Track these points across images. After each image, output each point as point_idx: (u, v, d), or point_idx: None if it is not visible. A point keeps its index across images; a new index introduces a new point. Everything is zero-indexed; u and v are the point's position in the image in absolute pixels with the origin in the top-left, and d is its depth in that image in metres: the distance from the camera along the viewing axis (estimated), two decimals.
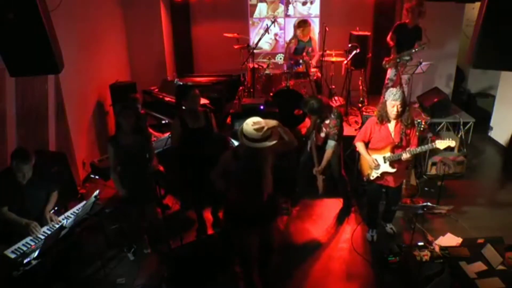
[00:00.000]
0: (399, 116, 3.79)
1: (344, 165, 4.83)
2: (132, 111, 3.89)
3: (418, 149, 3.81)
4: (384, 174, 3.99)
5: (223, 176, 3.17)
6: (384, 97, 6.39)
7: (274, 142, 2.92)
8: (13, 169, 3.40)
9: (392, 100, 3.73)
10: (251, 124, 2.91)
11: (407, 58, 5.89)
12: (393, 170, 3.92)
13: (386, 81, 6.27)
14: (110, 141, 3.89)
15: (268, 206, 3.26)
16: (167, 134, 5.07)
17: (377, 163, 3.96)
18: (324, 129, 4.44)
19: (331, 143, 4.36)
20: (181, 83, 6.14)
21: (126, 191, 3.90)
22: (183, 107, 4.16)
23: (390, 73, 6.15)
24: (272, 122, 2.93)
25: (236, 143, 4.65)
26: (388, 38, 6.02)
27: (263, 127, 2.87)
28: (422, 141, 5.41)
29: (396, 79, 6.21)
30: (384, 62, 6.12)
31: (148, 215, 4.16)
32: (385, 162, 3.93)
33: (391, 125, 3.89)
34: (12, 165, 3.39)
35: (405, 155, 3.79)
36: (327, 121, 4.39)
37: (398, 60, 5.90)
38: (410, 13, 5.75)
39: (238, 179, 3.09)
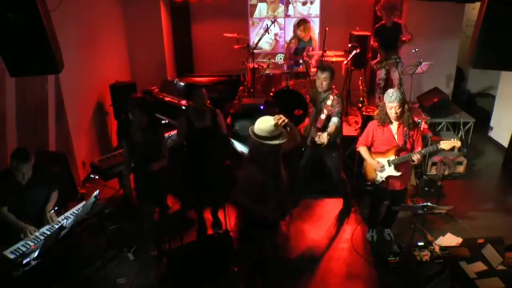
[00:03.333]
0: (398, 117, 3.72)
1: (344, 165, 4.82)
2: (143, 110, 3.80)
3: (423, 151, 3.78)
4: (389, 178, 3.93)
5: (250, 192, 3.01)
6: (377, 97, 6.57)
7: (287, 138, 2.92)
8: (13, 169, 3.40)
9: (388, 102, 3.66)
10: (270, 120, 2.87)
11: (395, 57, 6.01)
12: (398, 174, 3.86)
13: (378, 81, 6.46)
14: (123, 137, 3.91)
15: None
16: (167, 134, 5.07)
17: (382, 165, 3.88)
18: (325, 110, 4.34)
19: (334, 120, 4.24)
20: (182, 83, 6.14)
21: (130, 190, 3.90)
22: (188, 106, 4.16)
23: (381, 73, 6.39)
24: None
25: (236, 143, 4.65)
26: (371, 42, 6.26)
27: (283, 120, 2.87)
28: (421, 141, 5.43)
29: (389, 79, 6.30)
30: (372, 66, 6.36)
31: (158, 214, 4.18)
32: (389, 165, 3.86)
33: (394, 128, 3.81)
34: (12, 165, 3.40)
35: (416, 157, 3.71)
36: (328, 102, 4.30)
37: (384, 62, 6.07)
38: (381, 13, 6.02)
39: (267, 186, 3.00)
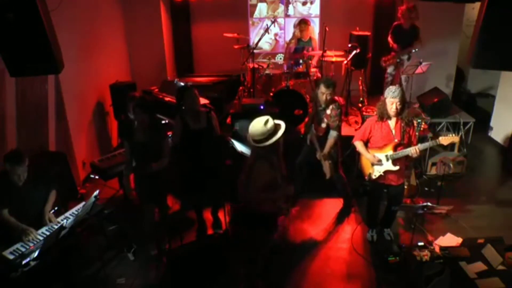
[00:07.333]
0: (398, 113, 3.79)
1: (343, 165, 4.82)
2: (144, 109, 3.78)
3: (422, 146, 3.81)
4: (386, 172, 3.98)
5: (266, 187, 3.11)
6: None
7: (283, 129, 3.06)
8: (8, 171, 3.38)
9: (391, 98, 3.74)
10: (260, 121, 3.01)
11: (405, 57, 6.05)
12: (396, 168, 3.91)
13: (386, 76, 6.44)
14: (125, 137, 3.92)
15: None
16: (168, 134, 5.07)
17: (378, 159, 3.93)
18: (325, 120, 4.42)
19: (333, 134, 4.38)
20: (181, 84, 6.14)
21: (130, 190, 3.91)
22: (183, 108, 4.14)
23: (389, 68, 6.34)
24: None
25: (236, 143, 4.65)
26: (389, 38, 6.22)
27: (267, 120, 3.02)
28: (422, 141, 5.43)
29: (396, 76, 6.28)
30: (382, 62, 6.30)
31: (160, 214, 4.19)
32: (387, 160, 3.91)
33: (392, 123, 3.88)
34: (6, 167, 3.37)
35: (413, 152, 3.77)
36: (328, 111, 4.36)
37: (398, 60, 6.01)
38: (402, 16, 6.02)
39: (278, 183, 3.13)
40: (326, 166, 4.47)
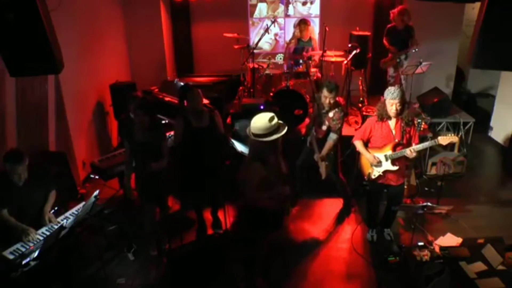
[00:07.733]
0: (398, 114, 3.79)
1: (343, 165, 4.82)
2: (145, 110, 3.79)
3: (420, 146, 3.81)
4: (386, 172, 3.98)
5: (258, 187, 3.10)
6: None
7: (285, 130, 3.04)
8: (8, 171, 3.37)
9: (390, 99, 3.73)
10: (265, 117, 2.98)
11: (403, 57, 6.08)
12: (395, 168, 3.92)
13: (388, 79, 6.45)
14: (125, 136, 3.94)
15: None
16: (168, 134, 5.07)
17: (378, 159, 3.94)
18: (326, 122, 4.42)
19: (333, 136, 4.37)
20: (182, 84, 6.14)
21: (130, 190, 3.90)
22: (185, 107, 4.15)
23: (390, 71, 6.37)
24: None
25: (236, 143, 4.65)
26: (384, 41, 6.29)
27: (273, 117, 2.99)
28: (422, 141, 5.43)
29: (396, 77, 6.30)
30: (381, 64, 6.37)
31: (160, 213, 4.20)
32: (387, 160, 3.92)
33: (392, 123, 3.88)
34: (6, 167, 3.36)
35: (410, 152, 3.77)
36: (330, 114, 4.36)
37: (398, 61, 6.03)
38: (394, 20, 6.07)
39: (272, 182, 3.12)
40: (323, 167, 4.49)
